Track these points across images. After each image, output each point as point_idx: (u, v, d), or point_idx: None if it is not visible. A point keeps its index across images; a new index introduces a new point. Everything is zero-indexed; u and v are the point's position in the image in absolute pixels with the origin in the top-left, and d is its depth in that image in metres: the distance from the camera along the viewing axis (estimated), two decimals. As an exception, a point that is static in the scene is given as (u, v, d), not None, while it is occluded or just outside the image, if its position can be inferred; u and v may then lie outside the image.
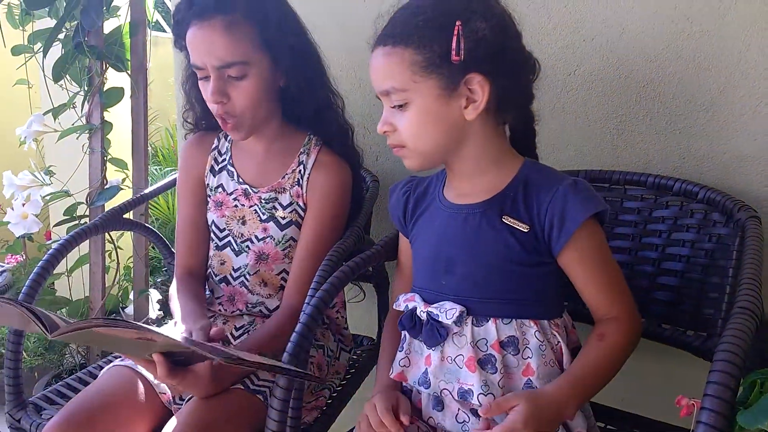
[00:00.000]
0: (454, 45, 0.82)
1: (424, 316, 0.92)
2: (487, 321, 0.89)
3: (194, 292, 1.19)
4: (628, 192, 1.17)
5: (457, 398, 0.88)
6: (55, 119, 1.77)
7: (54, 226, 1.87)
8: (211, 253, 1.25)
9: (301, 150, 1.19)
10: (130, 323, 0.78)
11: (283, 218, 1.18)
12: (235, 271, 1.21)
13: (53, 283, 2.06)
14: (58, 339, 0.82)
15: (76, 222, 1.75)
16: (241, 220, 1.20)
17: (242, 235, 1.20)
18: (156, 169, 3.05)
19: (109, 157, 1.76)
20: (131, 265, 1.90)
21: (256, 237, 1.19)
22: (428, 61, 0.84)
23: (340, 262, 1.09)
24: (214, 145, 1.26)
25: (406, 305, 0.95)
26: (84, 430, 1.00)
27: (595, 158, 1.27)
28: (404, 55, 0.85)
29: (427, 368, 0.91)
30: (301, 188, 1.17)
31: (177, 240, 1.27)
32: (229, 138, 1.24)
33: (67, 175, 1.82)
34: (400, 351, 0.96)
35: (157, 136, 3.23)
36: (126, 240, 1.90)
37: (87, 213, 1.78)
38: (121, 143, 1.83)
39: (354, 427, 1.02)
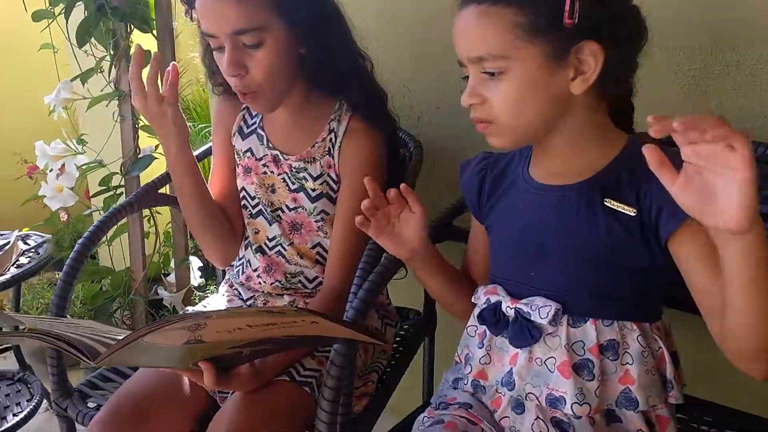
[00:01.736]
0: (567, 6, 0.70)
1: (511, 313, 0.82)
2: (586, 322, 0.79)
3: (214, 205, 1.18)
4: (702, 157, 1.06)
5: (545, 405, 0.80)
6: (83, 85, 1.71)
7: (92, 196, 1.85)
8: (246, 221, 1.20)
9: (332, 117, 1.11)
10: (175, 317, 0.72)
11: (314, 190, 1.11)
12: (270, 240, 1.16)
13: (95, 252, 2.06)
14: (103, 365, 0.77)
15: (112, 193, 1.72)
16: (270, 188, 1.15)
17: (272, 204, 1.15)
18: (190, 125, 2.97)
19: (141, 124, 1.71)
20: (170, 230, 1.87)
21: (287, 206, 1.14)
22: (534, 23, 0.73)
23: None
24: (244, 104, 1.18)
25: (488, 298, 0.86)
26: (130, 424, 0.98)
27: (661, 118, 1.15)
28: (505, 16, 0.73)
29: (512, 368, 0.82)
30: (333, 158, 1.10)
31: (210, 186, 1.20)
32: None
33: (101, 142, 1.77)
34: (479, 348, 0.86)
35: (189, 89, 3.13)
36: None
37: (122, 183, 1.74)
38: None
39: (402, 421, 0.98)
